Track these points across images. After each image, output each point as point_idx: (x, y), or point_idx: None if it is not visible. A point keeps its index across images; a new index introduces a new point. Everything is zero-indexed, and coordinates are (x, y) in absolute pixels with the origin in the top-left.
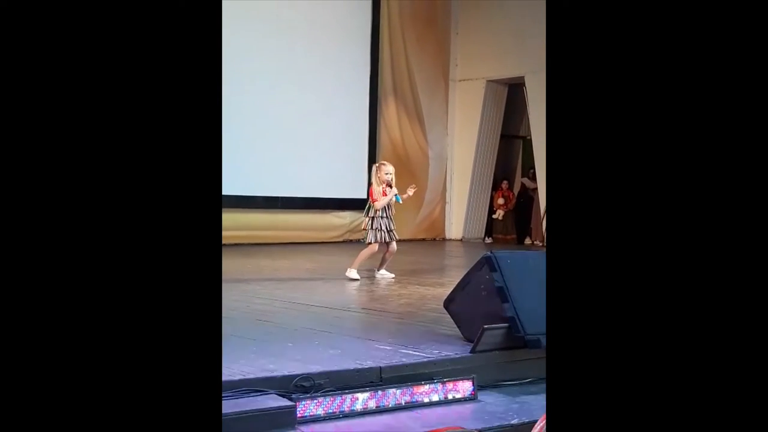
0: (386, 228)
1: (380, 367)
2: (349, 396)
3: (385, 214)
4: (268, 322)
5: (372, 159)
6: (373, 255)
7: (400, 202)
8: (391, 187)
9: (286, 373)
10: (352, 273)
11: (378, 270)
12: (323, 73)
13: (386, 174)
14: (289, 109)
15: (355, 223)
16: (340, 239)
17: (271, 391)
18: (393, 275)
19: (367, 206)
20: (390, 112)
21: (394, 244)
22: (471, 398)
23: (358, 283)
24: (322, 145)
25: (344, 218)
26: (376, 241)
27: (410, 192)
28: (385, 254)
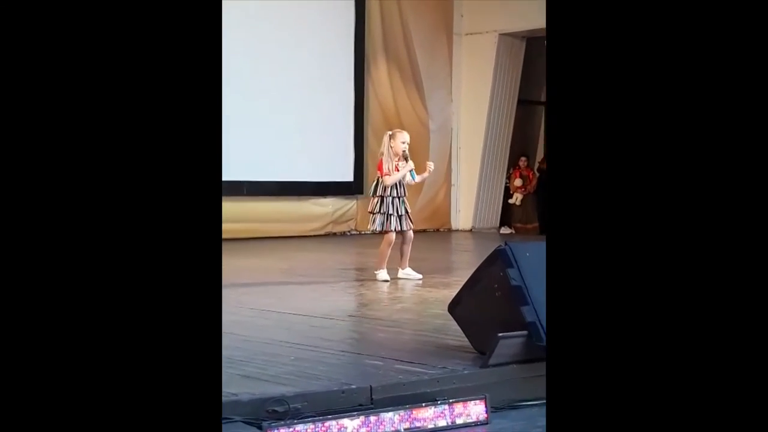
0: (397, 212)
1: (371, 386)
2: (334, 422)
3: (396, 194)
4: (234, 334)
5: (359, 132)
6: (392, 244)
7: (415, 180)
8: (407, 161)
9: (255, 396)
10: (382, 274)
11: (401, 268)
12: (299, 35)
13: (402, 143)
14: (257, 79)
15: (340, 211)
16: (322, 232)
17: (237, 419)
18: (420, 276)
19: (375, 183)
20: (380, 75)
21: (410, 233)
22: (483, 422)
23: (358, 286)
24: (297, 118)
25: (326, 206)
26: (387, 230)
27: (430, 168)
28: (402, 246)
